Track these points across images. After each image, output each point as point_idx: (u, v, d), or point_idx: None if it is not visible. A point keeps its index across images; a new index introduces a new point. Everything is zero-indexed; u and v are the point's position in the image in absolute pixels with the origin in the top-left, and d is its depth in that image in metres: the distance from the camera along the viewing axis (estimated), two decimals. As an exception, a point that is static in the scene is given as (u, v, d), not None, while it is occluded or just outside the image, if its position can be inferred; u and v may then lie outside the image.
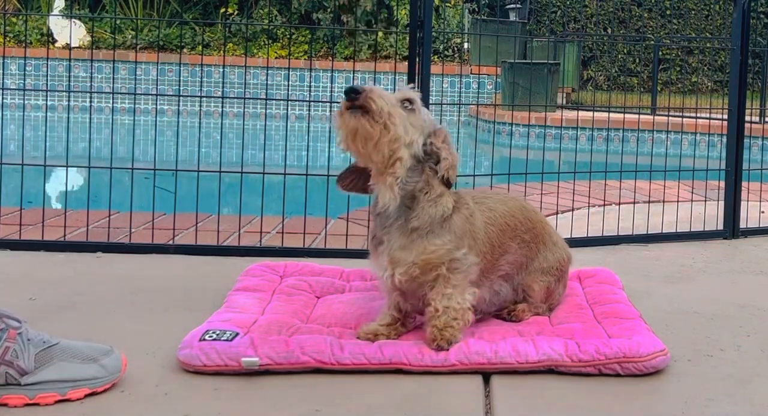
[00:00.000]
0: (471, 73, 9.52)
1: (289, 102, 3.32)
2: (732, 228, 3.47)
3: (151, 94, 7.66)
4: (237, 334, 1.92)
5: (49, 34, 10.27)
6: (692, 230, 3.46)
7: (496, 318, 2.16)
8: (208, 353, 1.83)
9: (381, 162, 1.87)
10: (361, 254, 2.75)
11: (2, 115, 3.16)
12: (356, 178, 2.01)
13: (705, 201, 3.70)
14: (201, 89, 3.88)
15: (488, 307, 2.13)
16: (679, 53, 11.08)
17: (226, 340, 1.88)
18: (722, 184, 3.59)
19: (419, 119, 1.92)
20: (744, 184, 3.58)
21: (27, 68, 9.47)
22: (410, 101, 1.91)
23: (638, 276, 2.80)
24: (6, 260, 2.78)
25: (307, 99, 3.29)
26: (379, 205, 1.94)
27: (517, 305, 2.18)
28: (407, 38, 3.11)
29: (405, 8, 9.46)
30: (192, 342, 1.87)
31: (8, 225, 3.14)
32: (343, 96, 1.83)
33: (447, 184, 1.96)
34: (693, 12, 11.48)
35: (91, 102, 3.25)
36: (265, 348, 1.84)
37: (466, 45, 10.37)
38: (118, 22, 10.21)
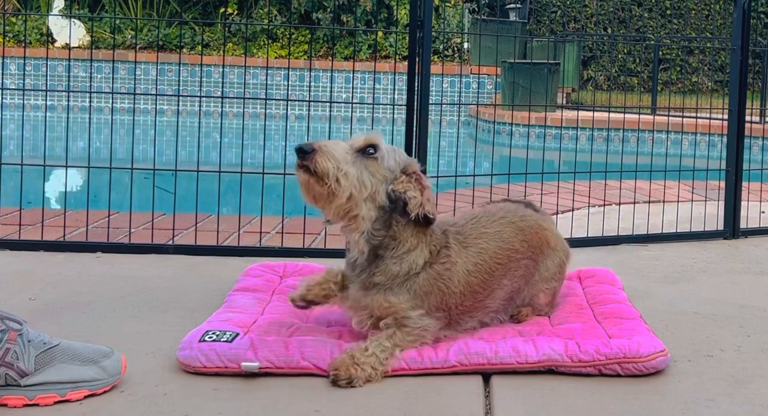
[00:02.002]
0: (471, 73, 9.52)
1: (289, 102, 3.32)
2: (732, 228, 3.47)
3: (151, 94, 7.66)
4: (237, 335, 1.92)
5: (49, 34, 10.26)
6: (692, 230, 3.46)
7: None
8: (207, 354, 1.83)
9: (337, 218, 1.87)
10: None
11: (2, 115, 3.16)
12: None
13: (705, 201, 3.70)
14: (201, 89, 3.87)
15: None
16: (679, 53, 11.08)
17: (226, 341, 1.87)
18: (722, 184, 3.59)
19: (381, 168, 1.86)
20: (744, 184, 3.57)
21: (26, 68, 9.46)
22: (374, 147, 1.86)
23: (638, 276, 2.80)
24: (6, 260, 2.78)
25: (307, 99, 3.29)
26: (350, 254, 1.95)
27: (521, 309, 2.16)
28: (407, 38, 3.11)
29: (405, 8, 9.46)
30: (192, 343, 1.87)
31: (8, 225, 3.14)
32: (294, 154, 1.82)
33: (426, 221, 1.89)
34: (693, 12, 11.48)
35: (90, 102, 3.25)
36: (265, 352, 1.84)
37: (466, 45, 10.37)
38: (117, 22, 10.21)
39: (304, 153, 1.80)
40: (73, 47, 9.67)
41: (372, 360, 1.82)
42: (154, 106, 7.28)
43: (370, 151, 1.86)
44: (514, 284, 2.09)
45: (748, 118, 3.63)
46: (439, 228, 1.97)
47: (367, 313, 1.93)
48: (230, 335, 1.91)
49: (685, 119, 5.93)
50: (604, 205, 3.77)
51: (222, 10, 10.75)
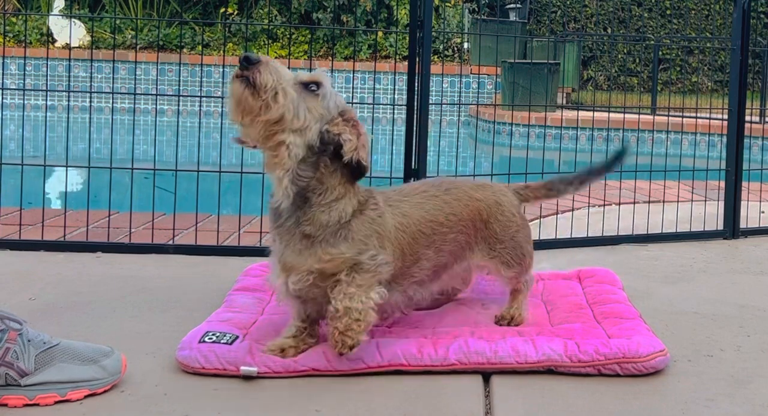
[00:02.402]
0: (471, 73, 9.52)
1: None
2: (732, 228, 3.47)
3: (151, 94, 7.66)
4: (237, 337, 1.92)
5: (49, 34, 10.27)
6: (692, 230, 3.46)
7: (498, 324, 2.14)
8: (207, 356, 1.83)
9: (259, 141, 1.76)
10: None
11: (2, 115, 3.16)
12: None
13: (705, 201, 3.70)
14: (201, 89, 3.87)
15: (404, 311, 2.03)
16: (679, 53, 11.08)
17: (226, 343, 1.87)
18: (722, 184, 3.59)
19: (320, 105, 1.77)
20: (744, 184, 3.57)
21: (27, 68, 9.47)
22: (317, 84, 1.78)
23: (638, 276, 2.80)
24: (6, 260, 2.78)
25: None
26: (273, 199, 1.82)
27: (509, 311, 2.14)
28: (407, 38, 3.11)
29: (405, 8, 9.46)
30: (191, 344, 1.87)
31: (8, 225, 3.14)
32: (239, 63, 1.72)
33: (358, 170, 1.80)
34: (693, 12, 11.48)
35: (90, 102, 3.25)
36: (263, 356, 1.85)
37: (466, 45, 10.37)
38: (117, 22, 10.21)
39: (250, 62, 1.70)
40: (74, 47, 9.67)
41: (351, 314, 1.77)
42: (154, 106, 7.28)
43: (312, 88, 1.77)
44: (441, 258, 1.99)
45: (748, 118, 3.63)
46: (363, 188, 1.89)
47: (306, 270, 1.79)
48: (230, 337, 1.91)
49: (685, 119, 5.93)
50: (604, 205, 3.77)
51: (222, 10, 10.75)
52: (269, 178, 1.82)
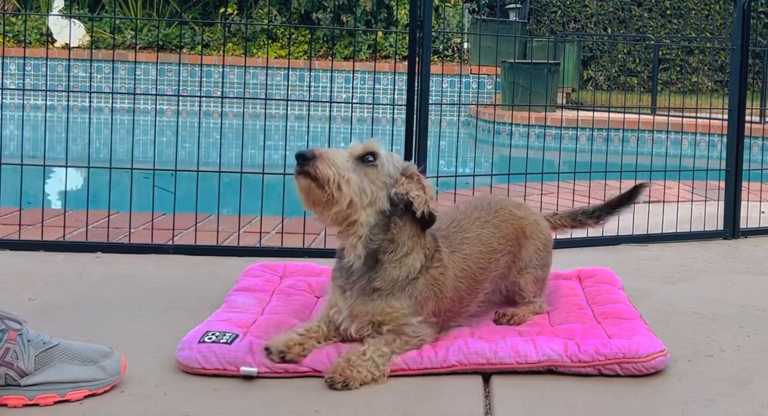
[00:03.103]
0: (471, 73, 9.52)
1: (289, 102, 3.32)
2: (732, 228, 3.47)
3: (151, 94, 7.66)
4: (236, 336, 1.91)
5: (49, 34, 10.26)
6: (692, 230, 3.46)
7: (496, 324, 2.14)
8: (207, 356, 1.83)
9: (333, 225, 1.88)
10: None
11: (2, 115, 3.15)
12: None
13: (705, 201, 3.70)
14: (201, 89, 3.87)
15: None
16: (679, 53, 11.08)
17: (226, 343, 1.87)
18: (722, 184, 3.59)
19: (381, 174, 1.88)
20: (744, 184, 3.57)
21: (26, 68, 9.47)
22: (373, 155, 1.88)
23: (638, 276, 2.80)
24: (6, 260, 2.78)
25: (307, 99, 3.29)
26: (344, 259, 1.92)
27: (514, 309, 2.17)
28: (407, 38, 3.10)
29: (405, 8, 9.46)
30: (191, 344, 1.87)
31: (8, 225, 3.14)
32: (295, 160, 1.83)
33: (430, 219, 1.90)
34: (693, 12, 11.48)
35: (90, 102, 3.25)
36: (263, 357, 1.84)
37: (466, 45, 10.36)
38: (117, 22, 10.21)
39: (305, 159, 1.81)
40: (73, 47, 9.67)
41: (369, 364, 1.81)
42: (154, 106, 7.27)
43: (370, 159, 1.87)
44: (493, 285, 2.13)
45: (748, 118, 3.63)
46: (428, 232, 1.97)
47: (368, 320, 1.90)
48: (230, 337, 1.91)
49: (685, 119, 5.93)
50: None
51: (222, 10, 10.75)
52: (341, 242, 1.93)
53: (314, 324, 1.94)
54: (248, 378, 1.81)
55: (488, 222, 2.13)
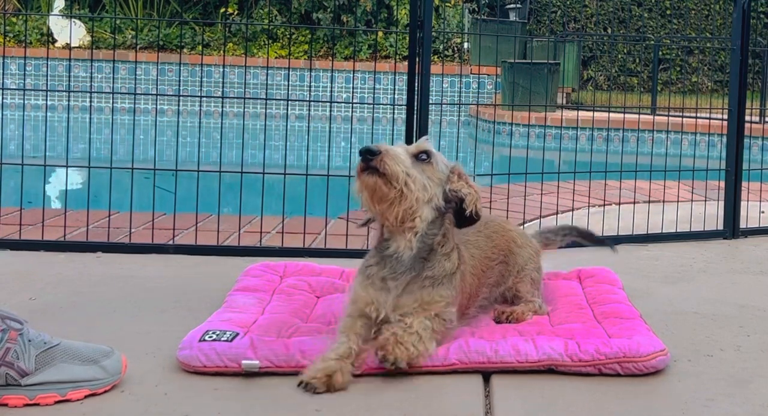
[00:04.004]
0: (471, 73, 9.52)
1: (289, 102, 3.32)
2: (732, 228, 3.47)
3: (151, 94, 7.66)
4: (237, 334, 1.92)
5: (49, 34, 10.26)
6: (692, 230, 3.46)
7: (496, 323, 2.15)
8: (207, 354, 1.83)
9: (397, 222, 1.87)
10: (361, 254, 2.74)
11: (2, 115, 3.16)
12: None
13: (705, 201, 3.70)
14: (201, 89, 3.88)
15: None
16: (679, 53, 11.08)
17: (226, 341, 1.87)
18: (722, 184, 3.59)
19: (436, 171, 1.91)
20: (744, 184, 3.58)
21: (27, 68, 9.47)
22: (427, 154, 1.91)
23: (638, 276, 2.80)
24: (6, 260, 2.78)
25: (307, 99, 3.29)
26: (392, 248, 1.91)
27: (513, 307, 2.19)
28: (407, 38, 3.11)
29: (405, 8, 9.46)
30: (192, 343, 1.87)
31: (8, 225, 3.14)
32: (359, 156, 1.82)
33: (475, 216, 1.94)
34: (693, 12, 11.48)
35: (91, 102, 3.25)
36: (265, 351, 1.84)
37: (466, 45, 10.36)
38: (118, 22, 10.21)
39: (372, 154, 1.81)
40: (74, 47, 9.67)
41: (414, 338, 1.82)
42: (154, 106, 7.28)
43: (423, 157, 1.90)
44: (487, 290, 2.18)
45: (747, 118, 3.63)
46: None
47: (413, 307, 1.89)
48: (230, 335, 1.91)
49: (684, 119, 5.93)
50: (604, 205, 3.77)
51: (222, 10, 10.75)
52: (392, 236, 1.91)
53: (344, 346, 1.83)
54: (248, 377, 1.81)
55: (480, 232, 2.19)
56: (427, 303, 1.90)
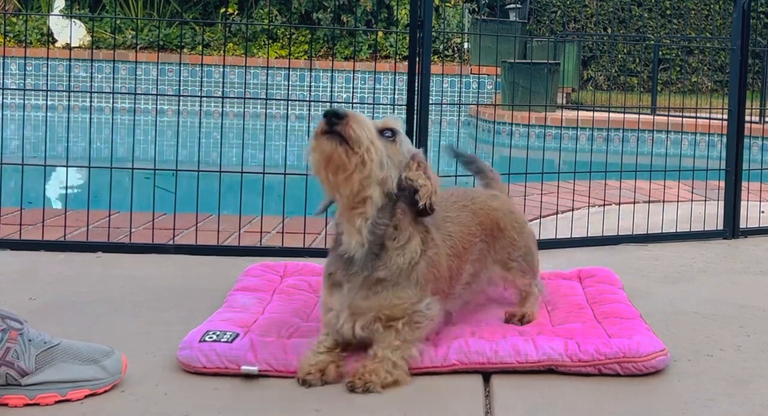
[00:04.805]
0: (471, 73, 9.52)
1: (289, 102, 3.32)
2: (732, 228, 3.47)
3: (151, 94, 7.66)
4: (237, 335, 1.92)
5: (49, 34, 10.26)
6: (692, 230, 3.46)
7: (507, 322, 2.14)
8: (208, 355, 1.83)
9: (349, 196, 1.74)
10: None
11: (2, 115, 3.16)
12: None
13: (705, 201, 3.70)
14: (201, 89, 3.88)
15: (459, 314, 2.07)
16: (679, 53, 11.08)
17: (227, 342, 1.88)
18: (722, 183, 3.59)
19: (398, 152, 1.78)
20: (744, 184, 3.57)
21: (27, 68, 9.47)
22: (392, 132, 1.78)
23: (638, 276, 2.80)
24: (6, 260, 2.78)
25: (307, 99, 3.29)
26: (343, 246, 1.80)
27: (522, 309, 2.16)
28: (407, 38, 3.11)
29: (405, 8, 9.46)
30: (192, 343, 1.87)
31: (8, 225, 3.14)
32: (323, 118, 1.69)
33: (428, 210, 1.81)
34: (693, 12, 11.48)
35: (91, 102, 3.25)
36: (264, 354, 1.84)
37: (466, 45, 10.36)
38: (118, 22, 10.21)
39: (338, 117, 1.67)
40: (74, 47, 9.67)
41: (385, 364, 1.77)
42: (154, 106, 7.28)
43: (388, 135, 1.77)
44: (472, 268, 2.04)
45: (747, 118, 3.63)
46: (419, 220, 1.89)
47: (374, 316, 1.80)
48: (231, 335, 1.91)
49: (684, 119, 5.93)
50: (604, 205, 3.77)
51: (222, 10, 10.75)
52: (343, 227, 1.80)
53: (326, 338, 1.84)
54: (248, 377, 1.82)
55: (466, 207, 2.06)
56: (387, 309, 1.79)
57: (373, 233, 1.78)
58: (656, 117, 6.59)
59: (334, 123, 1.68)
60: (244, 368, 1.81)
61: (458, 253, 1.97)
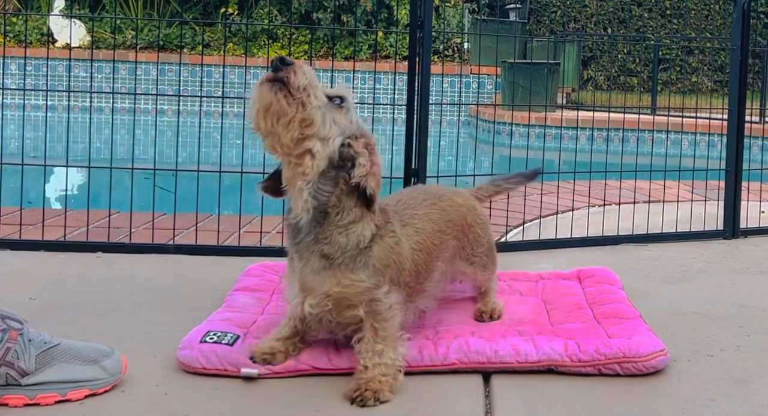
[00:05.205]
0: (471, 73, 9.52)
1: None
2: (732, 228, 3.47)
3: (151, 94, 7.66)
4: (238, 337, 1.92)
5: (49, 34, 10.27)
6: (692, 230, 3.46)
7: (479, 322, 2.15)
8: (208, 356, 1.83)
9: (288, 145, 1.69)
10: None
11: (2, 115, 3.16)
12: (276, 180, 1.81)
13: (705, 201, 3.70)
14: (201, 89, 3.89)
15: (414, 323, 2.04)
16: (679, 53, 11.08)
17: (227, 344, 1.88)
18: (722, 184, 3.59)
19: (344, 118, 1.76)
20: (744, 184, 3.57)
21: (27, 68, 9.47)
22: (341, 98, 1.77)
23: (638, 276, 2.80)
24: (6, 260, 2.78)
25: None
26: (291, 213, 1.78)
27: (485, 307, 2.18)
28: (407, 38, 3.11)
29: (405, 8, 9.46)
30: (192, 343, 1.87)
31: (8, 225, 3.14)
32: (270, 66, 1.68)
33: (366, 198, 1.75)
34: (693, 12, 11.48)
35: (91, 102, 3.25)
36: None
37: (466, 45, 10.36)
38: (118, 22, 10.21)
39: (284, 63, 1.67)
40: (74, 47, 9.67)
41: (381, 368, 1.76)
42: (154, 106, 7.28)
43: (337, 101, 1.75)
44: (444, 266, 2.03)
45: (747, 118, 3.63)
46: (378, 206, 1.83)
47: (324, 292, 1.76)
48: (232, 338, 1.91)
49: (684, 119, 5.93)
50: (604, 205, 3.77)
51: (222, 10, 10.75)
52: (288, 192, 1.78)
53: (287, 326, 1.87)
54: (248, 378, 1.82)
55: (435, 205, 2.05)
56: (337, 288, 1.75)
57: (316, 198, 1.74)
58: (656, 117, 6.59)
59: (280, 68, 1.67)
60: (244, 371, 1.81)
61: (427, 249, 1.94)
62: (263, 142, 1.72)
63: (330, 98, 1.75)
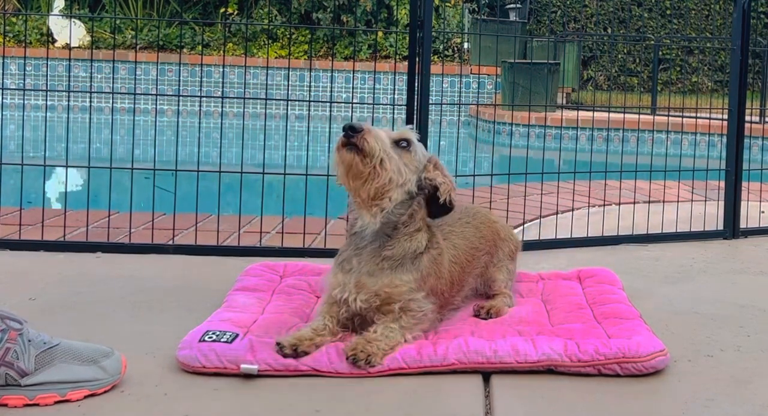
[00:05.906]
0: (471, 73, 9.52)
1: (289, 102, 3.32)
2: (732, 228, 3.47)
3: (151, 94, 7.66)
4: (236, 336, 1.92)
5: (49, 34, 10.27)
6: (692, 230, 3.46)
7: (477, 317, 2.19)
8: (207, 355, 1.83)
9: (366, 200, 1.92)
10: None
11: (2, 115, 3.16)
12: None
13: (705, 201, 3.70)
14: (201, 89, 3.89)
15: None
16: (679, 53, 11.08)
17: (226, 342, 1.88)
18: (722, 184, 3.59)
19: (414, 159, 1.97)
20: (744, 184, 3.57)
21: (27, 68, 9.47)
22: (407, 141, 1.97)
23: (638, 276, 2.80)
24: (6, 260, 2.78)
25: (307, 99, 3.29)
26: (357, 225, 1.99)
27: (491, 302, 2.24)
28: (407, 38, 3.11)
29: (405, 8, 9.46)
30: (192, 343, 1.87)
31: (8, 225, 3.14)
32: (341, 132, 1.88)
33: (449, 205, 2.00)
34: (693, 12, 11.48)
35: (91, 102, 3.25)
36: (263, 355, 1.84)
37: (466, 45, 10.37)
38: (117, 22, 10.21)
39: (355, 131, 1.87)
40: (74, 47, 9.67)
41: (382, 340, 1.88)
42: (154, 106, 7.28)
43: (404, 144, 1.96)
44: (474, 281, 2.25)
45: (748, 118, 3.63)
46: (428, 222, 2.07)
47: (375, 291, 1.94)
48: (230, 336, 1.91)
49: (684, 119, 5.93)
50: (604, 205, 3.77)
51: (222, 10, 10.75)
52: (358, 213, 1.97)
53: (320, 322, 1.97)
54: (248, 377, 1.82)
55: (469, 224, 2.25)
56: (388, 288, 1.94)
57: (388, 218, 1.95)
58: (656, 117, 6.59)
59: (351, 136, 1.87)
60: (244, 367, 1.81)
61: (461, 263, 2.14)
62: (348, 193, 1.97)
63: (397, 142, 1.96)
